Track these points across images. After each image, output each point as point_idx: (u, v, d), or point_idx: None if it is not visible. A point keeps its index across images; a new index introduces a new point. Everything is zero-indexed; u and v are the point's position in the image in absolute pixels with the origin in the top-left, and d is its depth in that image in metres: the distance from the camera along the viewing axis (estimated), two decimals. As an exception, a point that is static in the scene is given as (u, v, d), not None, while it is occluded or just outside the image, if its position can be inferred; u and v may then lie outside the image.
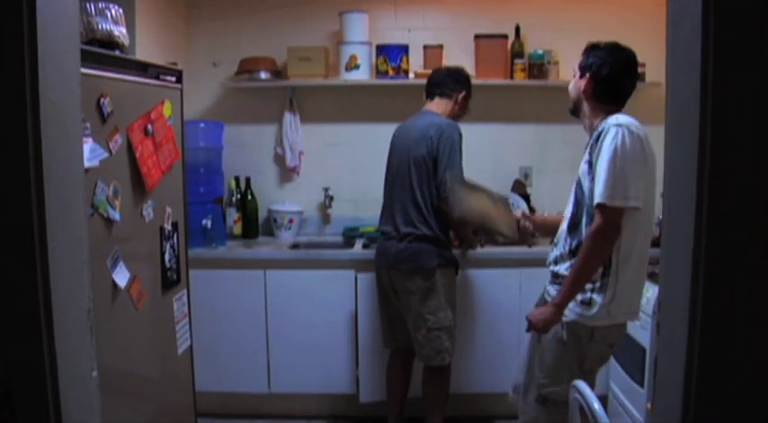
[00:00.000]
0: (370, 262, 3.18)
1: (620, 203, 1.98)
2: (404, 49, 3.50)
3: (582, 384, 1.63)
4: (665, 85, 1.04)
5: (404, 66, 3.49)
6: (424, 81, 3.52)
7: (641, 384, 2.68)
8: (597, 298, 2.07)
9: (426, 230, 2.79)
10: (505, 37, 3.52)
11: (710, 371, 0.93)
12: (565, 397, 2.04)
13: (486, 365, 3.19)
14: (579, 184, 2.15)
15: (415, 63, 3.56)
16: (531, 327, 2.17)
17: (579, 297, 2.09)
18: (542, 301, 2.28)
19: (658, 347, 1.08)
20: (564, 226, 2.21)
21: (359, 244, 3.43)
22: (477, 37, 3.51)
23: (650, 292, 2.66)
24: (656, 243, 3.06)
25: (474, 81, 3.52)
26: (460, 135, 2.81)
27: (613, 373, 3.04)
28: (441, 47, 3.55)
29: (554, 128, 3.62)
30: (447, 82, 2.96)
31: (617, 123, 2.03)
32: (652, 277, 2.74)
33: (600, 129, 2.08)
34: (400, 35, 3.64)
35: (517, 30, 3.52)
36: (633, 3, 3.52)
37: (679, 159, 0.97)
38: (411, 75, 3.53)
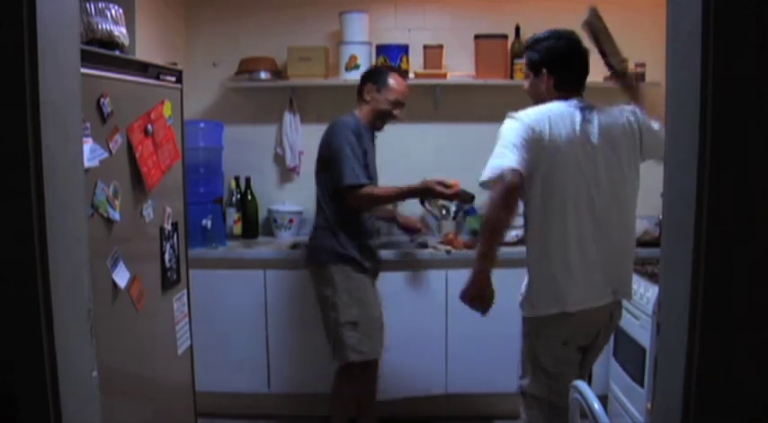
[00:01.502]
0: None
1: (488, 177, 2.03)
2: (404, 50, 3.50)
3: (582, 384, 1.63)
4: (665, 85, 1.04)
5: (404, 66, 3.49)
6: (424, 81, 3.55)
7: (641, 384, 2.68)
8: (522, 288, 2.17)
9: (323, 223, 2.82)
10: (505, 37, 3.52)
11: (710, 371, 0.93)
12: (529, 390, 2.14)
13: (485, 366, 3.19)
14: None
15: (415, 63, 3.55)
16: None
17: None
18: None
19: (658, 347, 1.08)
20: None
21: (359, 244, 3.43)
22: (477, 37, 3.51)
23: (650, 292, 2.67)
24: (656, 243, 3.07)
25: (474, 81, 3.54)
26: (355, 133, 2.72)
27: (613, 373, 3.04)
28: (441, 47, 3.55)
29: (554, 128, 3.62)
30: (362, 79, 2.90)
31: (510, 115, 2.09)
32: (652, 277, 2.75)
33: None
34: (400, 35, 3.63)
35: (517, 30, 3.52)
36: (633, 3, 3.52)
37: (679, 159, 0.97)
38: (411, 75, 3.52)
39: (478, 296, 2.11)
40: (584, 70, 2.17)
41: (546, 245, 2.09)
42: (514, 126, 2.05)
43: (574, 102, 2.11)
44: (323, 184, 2.82)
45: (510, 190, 1.99)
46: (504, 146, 2.03)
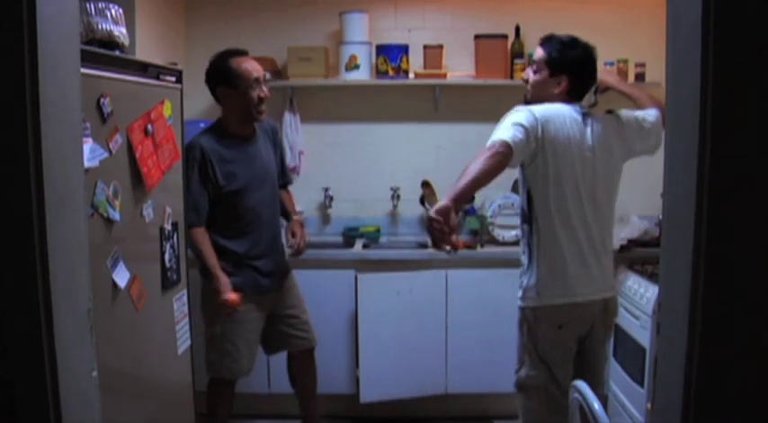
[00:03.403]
0: (370, 262, 3.19)
1: (496, 138, 2.03)
2: (404, 50, 3.50)
3: (582, 384, 1.63)
4: (665, 85, 1.04)
5: (404, 66, 3.49)
6: (424, 81, 3.55)
7: (641, 384, 2.68)
8: (524, 279, 2.18)
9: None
10: (505, 37, 3.52)
11: (710, 371, 0.93)
12: (527, 381, 2.17)
13: (484, 365, 3.19)
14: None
15: (415, 63, 3.55)
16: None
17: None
18: None
19: (658, 347, 1.08)
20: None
21: (359, 244, 3.43)
22: (477, 37, 3.51)
23: (650, 292, 2.67)
24: (656, 243, 3.08)
25: (474, 81, 3.54)
26: (194, 158, 2.53)
27: (613, 373, 3.04)
28: (441, 47, 3.55)
29: (554, 128, 3.62)
30: (208, 85, 2.64)
31: (516, 109, 2.14)
32: (652, 277, 2.75)
33: None
34: (400, 35, 3.63)
35: (517, 30, 3.52)
36: (633, 3, 3.52)
37: (679, 159, 0.97)
38: (411, 75, 3.53)
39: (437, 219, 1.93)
40: (594, 82, 2.27)
41: (553, 239, 2.13)
42: (521, 111, 2.10)
43: (576, 107, 2.20)
44: None
45: (496, 153, 1.98)
46: (504, 126, 2.07)
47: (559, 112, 2.15)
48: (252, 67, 2.58)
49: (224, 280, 2.56)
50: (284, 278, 2.83)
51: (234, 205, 2.62)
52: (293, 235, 2.82)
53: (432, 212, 1.93)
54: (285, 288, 2.83)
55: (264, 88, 2.61)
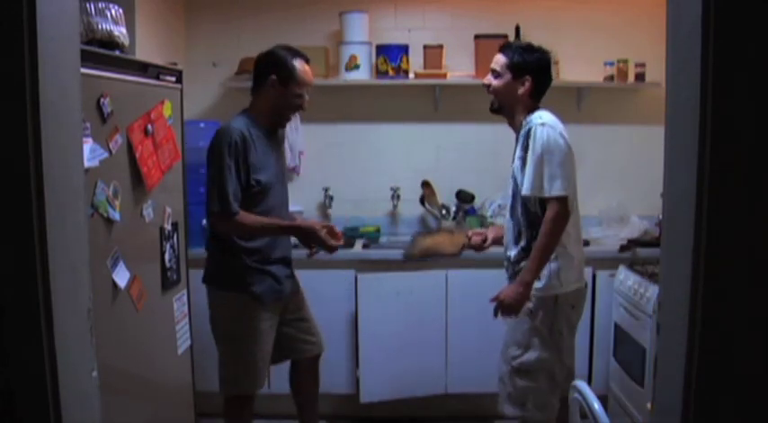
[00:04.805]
0: (370, 262, 3.18)
1: (562, 193, 2.20)
2: (404, 50, 3.50)
3: (582, 384, 1.63)
4: (665, 85, 1.04)
5: (404, 66, 3.49)
6: (424, 81, 3.55)
7: (641, 384, 2.68)
8: (545, 270, 2.29)
9: (212, 240, 2.47)
10: (505, 37, 3.51)
11: (710, 371, 0.93)
12: (536, 364, 2.30)
13: (484, 365, 3.18)
14: (514, 179, 2.35)
15: (415, 63, 3.55)
16: (505, 308, 2.29)
17: None
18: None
19: (658, 347, 1.08)
20: (507, 216, 2.45)
21: (359, 244, 3.43)
22: (477, 37, 3.51)
23: (650, 292, 2.67)
24: (656, 243, 3.08)
25: (474, 81, 3.54)
26: (236, 144, 2.34)
27: (613, 373, 3.04)
28: (441, 47, 3.55)
29: (554, 128, 3.62)
30: (258, 68, 2.48)
31: (541, 123, 2.23)
32: (652, 277, 2.75)
33: (528, 126, 2.27)
34: (400, 35, 3.63)
35: (517, 30, 3.52)
36: (633, 2, 3.52)
37: (679, 159, 0.97)
38: (411, 75, 3.53)
39: (519, 305, 2.29)
40: (548, 86, 2.40)
41: (568, 235, 2.30)
42: (560, 141, 2.22)
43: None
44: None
45: (563, 220, 2.24)
46: (561, 165, 2.21)
47: (557, 118, 2.29)
48: (309, 77, 2.49)
49: (304, 223, 2.50)
50: (295, 282, 2.68)
51: (256, 202, 2.41)
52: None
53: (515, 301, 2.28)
54: (294, 291, 2.69)
55: (304, 101, 2.51)
